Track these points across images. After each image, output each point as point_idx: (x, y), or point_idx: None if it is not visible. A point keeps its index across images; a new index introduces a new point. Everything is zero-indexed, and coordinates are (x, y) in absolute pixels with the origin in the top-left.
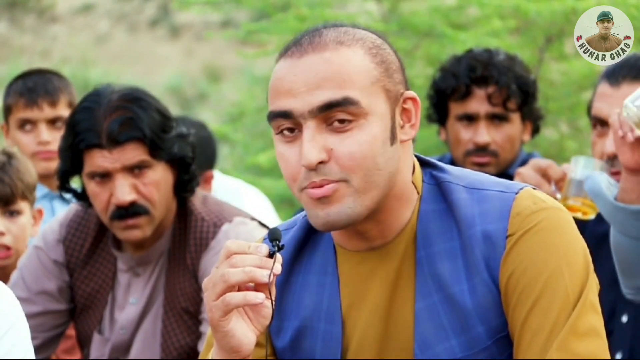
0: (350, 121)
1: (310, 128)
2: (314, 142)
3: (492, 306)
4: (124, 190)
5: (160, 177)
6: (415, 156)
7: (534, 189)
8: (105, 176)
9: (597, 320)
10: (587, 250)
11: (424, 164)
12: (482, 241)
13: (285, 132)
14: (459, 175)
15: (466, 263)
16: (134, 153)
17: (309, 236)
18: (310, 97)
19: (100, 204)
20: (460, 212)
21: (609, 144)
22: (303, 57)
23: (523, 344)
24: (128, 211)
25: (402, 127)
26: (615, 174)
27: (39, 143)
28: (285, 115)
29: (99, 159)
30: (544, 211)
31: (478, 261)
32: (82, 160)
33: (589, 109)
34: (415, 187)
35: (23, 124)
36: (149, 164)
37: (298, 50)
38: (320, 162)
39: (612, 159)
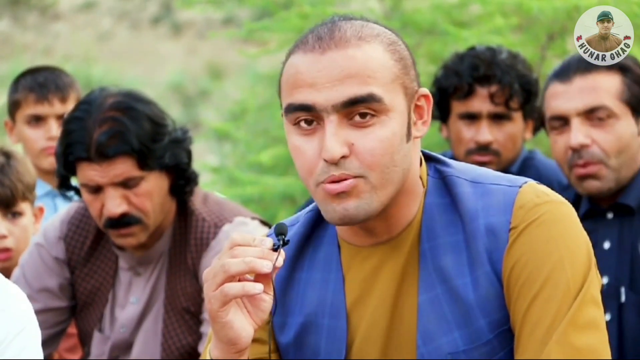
0: (372, 116)
1: (332, 122)
2: (337, 137)
3: (494, 299)
4: (114, 203)
5: (152, 186)
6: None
7: (537, 183)
8: (96, 188)
9: (597, 314)
10: (590, 244)
11: (428, 158)
12: (485, 234)
13: (303, 124)
14: (463, 170)
15: (470, 256)
16: (122, 168)
17: (312, 232)
18: (335, 93)
19: (93, 212)
20: (464, 206)
21: (573, 137)
22: (326, 52)
23: (523, 336)
24: (120, 222)
25: (415, 124)
26: (581, 166)
27: (49, 138)
28: (306, 108)
29: (89, 172)
30: (547, 204)
31: (481, 254)
32: (75, 169)
33: (541, 118)
34: (422, 181)
35: (32, 119)
36: (139, 178)
37: (319, 44)
38: (342, 157)
39: (577, 151)
